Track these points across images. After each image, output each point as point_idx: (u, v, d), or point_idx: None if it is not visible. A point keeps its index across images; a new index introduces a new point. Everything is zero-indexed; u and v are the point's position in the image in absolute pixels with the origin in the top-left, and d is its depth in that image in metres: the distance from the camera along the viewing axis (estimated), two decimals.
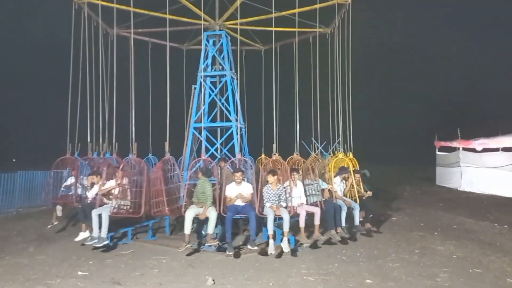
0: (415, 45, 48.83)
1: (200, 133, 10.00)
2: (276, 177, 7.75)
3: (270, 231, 7.29)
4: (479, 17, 41.89)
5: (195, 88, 10.07)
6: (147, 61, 11.22)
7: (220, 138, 9.74)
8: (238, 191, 7.76)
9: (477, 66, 44.17)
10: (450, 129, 19.29)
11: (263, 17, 10.63)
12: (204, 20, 10.33)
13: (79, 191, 9.14)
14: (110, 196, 8.09)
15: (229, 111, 9.78)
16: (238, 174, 7.75)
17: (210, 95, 10.12)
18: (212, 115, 10.28)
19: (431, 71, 50.07)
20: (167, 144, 8.09)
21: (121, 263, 6.93)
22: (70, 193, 9.29)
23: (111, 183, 8.20)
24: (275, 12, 9.66)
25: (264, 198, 7.75)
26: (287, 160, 8.71)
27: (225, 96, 9.91)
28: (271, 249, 7.20)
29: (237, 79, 10.41)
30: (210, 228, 7.42)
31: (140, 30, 9.79)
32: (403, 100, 50.37)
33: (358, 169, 9.55)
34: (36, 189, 13.07)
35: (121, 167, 8.14)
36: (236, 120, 9.69)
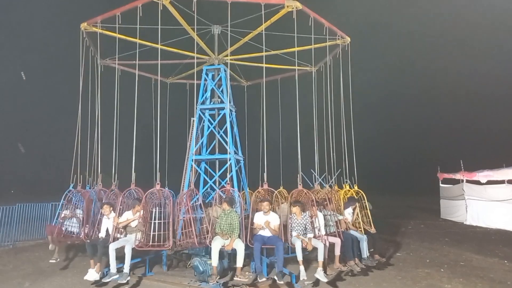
0: (416, 74, 49.38)
1: (198, 165, 9.90)
2: (298, 207, 7.69)
3: (300, 258, 7.11)
4: (481, 45, 42.41)
5: (193, 120, 10.05)
6: (152, 96, 11.10)
7: (219, 171, 9.57)
8: (266, 220, 7.56)
9: (479, 96, 44.32)
10: (452, 161, 19.06)
11: (263, 54, 10.76)
12: (205, 54, 10.49)
13: (76, 226, 8.78)
14: (122, 229, 7.78)
15: (227, 144, 9.68)
16: (265, 203, 7.60)
17: (208, 127, 10.11)
18: (211, 147, 10.23)
19: (436, 107, 50.39)
20: (192, 174, 7.95)
21: None
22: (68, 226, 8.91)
23: (128, 215, 7.84)
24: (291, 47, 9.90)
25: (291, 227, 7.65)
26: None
27: (224, 128, 9.86)
28: (303, 275, 6.96)
29: (235, 112, 10.44)
30: (239, 261, 7.13)
31: (134, 61, 9.83)
32: (405, 131, 50.45)
33: (365, 200, 9.41)
34: (34, 221, 12.82)
35: (143, 199, 7.84)
36: (235, 153, 9.59)
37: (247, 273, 8.51)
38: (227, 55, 10.71)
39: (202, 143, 10.13)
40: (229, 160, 8.79)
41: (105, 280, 7.26)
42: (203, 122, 10.19)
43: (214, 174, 9.45)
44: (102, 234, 7.90)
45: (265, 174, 8.19)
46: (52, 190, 9.28)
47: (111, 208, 7.99)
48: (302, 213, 7.74)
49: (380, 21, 41.30)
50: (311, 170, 10.02)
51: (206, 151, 10.10)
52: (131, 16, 8.87)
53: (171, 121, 10.99)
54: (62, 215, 9.06)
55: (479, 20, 39.37)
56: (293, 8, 8.80)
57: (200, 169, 10.00)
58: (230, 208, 7.57)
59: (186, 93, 12.29)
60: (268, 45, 10.37)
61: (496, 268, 8.80)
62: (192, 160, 9.60)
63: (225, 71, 10.34)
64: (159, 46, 8.82)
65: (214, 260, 7.09)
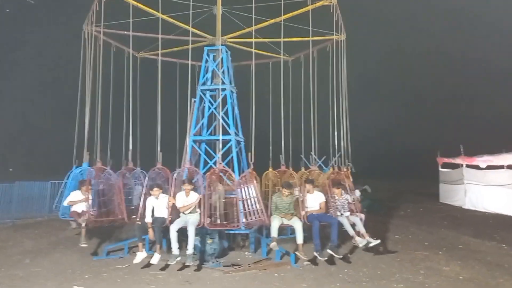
0: (417, 57, 48.96)
1: (198, 146, 9.99)
2: (340, 189, 8.45)
3: (352, 233, 8.10)
4: (479, 29, 41.86)
5: (194, 101, 10.02)
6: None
7: (219, 151, 9.59)
8: (313, 199, 8.06)
9: (479, 81, 44.05)
10: (452, 145, 19.10)
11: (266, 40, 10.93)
12: (203, 36, 10.58)
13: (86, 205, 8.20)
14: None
15: (228, 125, 9.74)
16: (308, 186, 8.11)
17: (209, 108, 10.13)
18: (211, 128, 10.26)
19: (435, 90, 50.09)
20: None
21: (117, 278, 6.84)
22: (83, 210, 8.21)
23: (181, 196, 7.66)
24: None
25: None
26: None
27: (225, 109, 9.85)
28: (362, 242, 7.91)
29: (236, 93, 10.46)
30: (300, 238, 7.56)
31: (126, 32, 9.67)
32: (405, 115, 50.37)
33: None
34: (33, 199, 12.91)
35: (208, 179, 8.07)
36: (235, 134, 9.64)
37: (246, 253, 8.68)
38: (229, 37, 10.76)
39: (202, 124, 10.16)
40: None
41: (170, 263, 7.19)
42: (204, 103, 10.19)
43: (214, 154, 9.50)
44: (148, 218, 7.63)
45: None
46: (51, 169, 9.25)
47: (161, 190, 7.84)
48: (343, 193, 8.43)
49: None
50: (311, 153, 10.13)
51: (206, 132, 10.15)
52: None
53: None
54: (76, 198, 8.33)
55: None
56: (330, 2, 9.73)
57: (201, 150, 10.04)
58: (288, 192, 7.89)
59: (175, 71, 12.02)
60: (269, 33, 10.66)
61: (494, 251, 8.92)
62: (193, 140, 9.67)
63: (226, 51, 10.33)
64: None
65: (274, 232, 7.60)
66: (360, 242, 7.87)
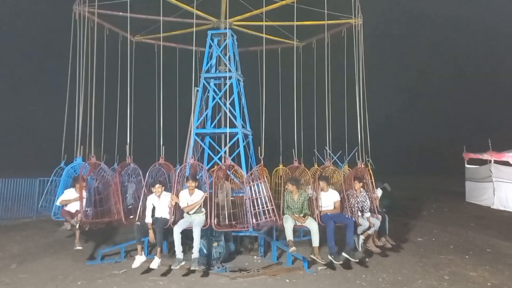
0: (442, 49, 48.64)
1: (202, 139, 10.01)
2: (361, 184, 8.37)
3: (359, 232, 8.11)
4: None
5: (197, 90, 10.02)
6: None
7: (225, 146, 9.63)
8: (327, 198, 8.04)
9: (510, 69, 43.65)
10: (480, 140, 19.02)
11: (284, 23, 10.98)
12: (207, 19, 10.58)
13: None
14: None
15: (234, 116, 9.74)
16: (322, 183, 8.06)
17: (214, 98, 10.10)
18: (216, 120, 10.26)
19: (460, 77, 49.74)
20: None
21: (113, 284, 6.85)
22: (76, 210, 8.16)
23: (184, 195, 7.63)
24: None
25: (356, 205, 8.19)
26: None
27: (231, 99, 9.84)
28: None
29: (243, 81, 10.44)
30: (316, 240, 7.51)
31: (121, 13, 9.61)
32: (430, 108, 50.17)
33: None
34: (20, 198, 12.90)
35: (214, 177, 8.00)
36: (243, 126, 9.63)
37: (255, 257, 8.72)
38: (236, 20, 10.78)
39: (206, 115, 10.17)
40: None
41: (174, 267, 7.15)
42: (208, 92, 10.18)
43: (219, 149, 9.52)
44: (149, 219, 7.57)
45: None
46: (40, 164, 9.25)
47: (163, 187, 7.77)
48: (362, 190, 8.34)
49: None
50: (325, 147, 10.13)
51: (211, 125, 10.15)
52: None
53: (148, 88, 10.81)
54: (69, 197, 8.31)
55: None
56: None
57: (204, 144, 10.06)
58: (296, 189, 7.85)
59: (174, 57, 12.07)
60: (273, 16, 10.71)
61: None
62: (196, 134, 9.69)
63: (232, 36, 10.30)
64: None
65: (289, 235, 7.58)
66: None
